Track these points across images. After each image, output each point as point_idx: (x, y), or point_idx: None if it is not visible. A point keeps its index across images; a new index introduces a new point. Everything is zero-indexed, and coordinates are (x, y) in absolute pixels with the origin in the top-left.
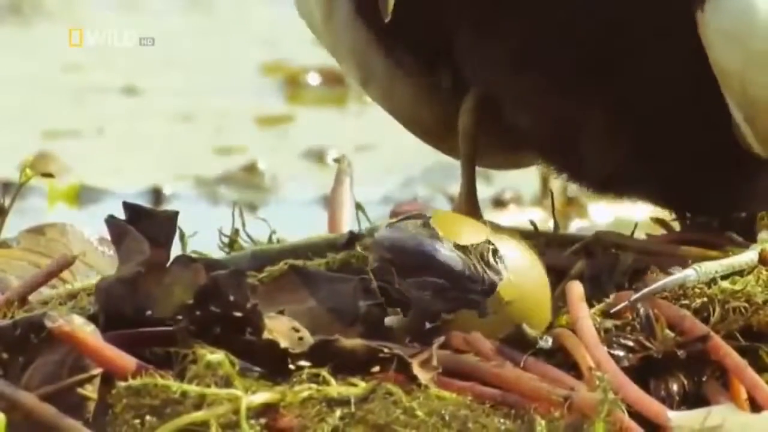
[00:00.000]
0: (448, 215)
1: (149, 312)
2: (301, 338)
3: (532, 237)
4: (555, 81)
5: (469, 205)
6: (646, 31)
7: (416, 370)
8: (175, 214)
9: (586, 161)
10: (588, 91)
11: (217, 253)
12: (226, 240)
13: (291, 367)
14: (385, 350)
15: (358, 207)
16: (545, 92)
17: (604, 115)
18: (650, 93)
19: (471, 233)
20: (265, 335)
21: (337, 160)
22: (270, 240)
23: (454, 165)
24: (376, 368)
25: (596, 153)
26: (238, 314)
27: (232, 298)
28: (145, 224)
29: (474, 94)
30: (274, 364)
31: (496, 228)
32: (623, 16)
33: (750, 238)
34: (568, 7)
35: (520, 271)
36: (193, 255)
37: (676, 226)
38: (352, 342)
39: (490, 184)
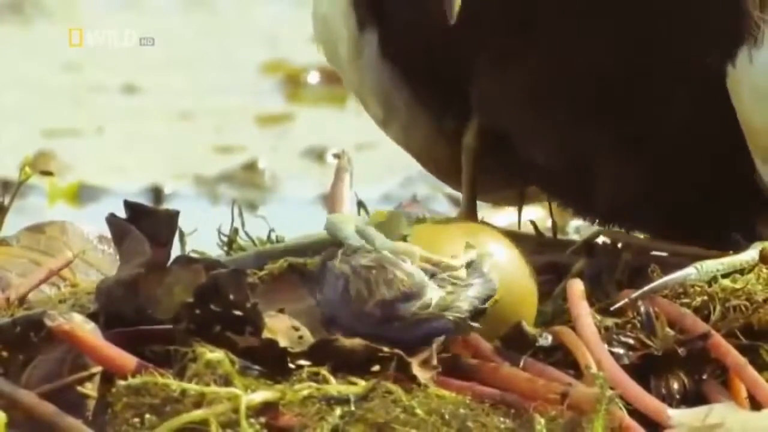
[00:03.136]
0: (427, 227)
1: (150, 313)
2: (300, 337)
3: (527, 240)
4: (572, 117)
5: (468, 219)
6: (669, 74)
7: (416, 369)
8: (176, 213)
9: (596, 196)
10: (605, 128)
11: (216, 253)
12: (225, 239)
13: (291, 366)
14: (385, 349)
15: (359, 204)
16: (560, 127)
17: (619, 152)
18: (669, 133)
19: (449, 245)
20: (265, 334)
21: (337, 156)
22: (269, 239)
23: None
24: (376, 367)
25: (607, 189)
26: (238, 313)
27: (231, 297)
28: (146, 223)
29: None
30: (273, 363)
31: (483, 229)
32: (647, 56)
33: (751, 237)
34: (590, 46)
35: (503, 270)
36: (194, 255)
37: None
38: (352, 341)
39: None
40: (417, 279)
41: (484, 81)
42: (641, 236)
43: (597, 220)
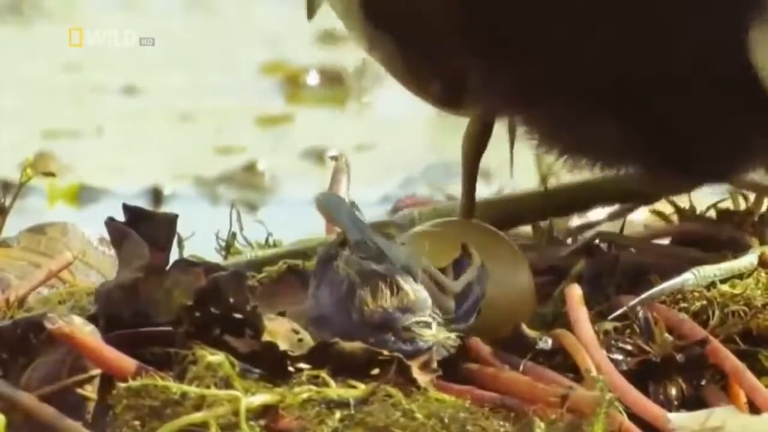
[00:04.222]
0: (422, 235)
1: (149, 317)
2: (300, 340)
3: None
4: (572, 106)
5: (465, 213)
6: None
7: (416, 372)
8: (175, 216)
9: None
10: (606, 105)
11: (214, 255)
12: (223, 244)
13: (290, 369)
14: (385, 353)
15: (352, 206)
16: (560, 115)
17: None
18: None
19: (444, 252)
20: (265, 337)
21: (334, 158)
22: (267, 242)
23: (454, 164)
24: (376, 371)
25: (613, 158)
26: (238, 316)
27: (231, 299)
28: (145, 227)
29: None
30: (273, 366)
31: (479, 231)
32: (659, 38)
33: (757, 237)
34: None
35: (499, 269)
36: (192, 259)
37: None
38: (352, 345)
39: (490, 183)
40: (421, 297)
41: (471, 71)
42: (640, 232)
43: (593, 164)
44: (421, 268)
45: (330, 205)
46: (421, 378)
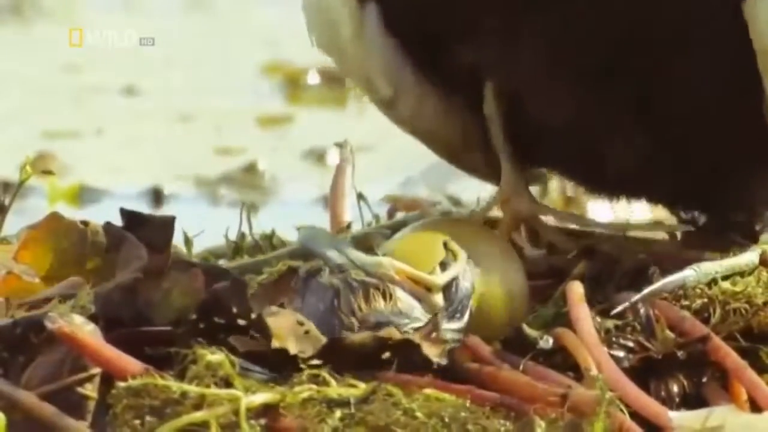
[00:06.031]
0: (411, 239)
1: (148, 317)
2: (307, 332)
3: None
4: (588, 77)
5: (516, 188)
6: (683, 24)
7: (426, 349)
8: (172, 219)
9: (609, 162)
10: (619, 87)
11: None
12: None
13: (302, 366)
14: (395, 337)
15: (360, 197)
16: (576, 88)
17: (634, 113)
18: (683, 87)
19: (427, 258)
20: (274, 343)
21: (339, 145)
22: (271, 241)
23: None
24: (387, 355)
25: (619, 151)
26: (243, 323)
27: (234, 310)
28: (143, 230)
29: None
30: (283, 366)
31: (464, 230)
32: (661, 11)
33: (753, 240)
34: (601, 4)
35: (488, 265)
36: (195, 260)
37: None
38: (360, 336)
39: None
40: (413, 304)
41: (494, 43)
42: (641, 242)
43: (605, 193)
44: (395, 270)
45: (307, 238)
46: (432, 352)
